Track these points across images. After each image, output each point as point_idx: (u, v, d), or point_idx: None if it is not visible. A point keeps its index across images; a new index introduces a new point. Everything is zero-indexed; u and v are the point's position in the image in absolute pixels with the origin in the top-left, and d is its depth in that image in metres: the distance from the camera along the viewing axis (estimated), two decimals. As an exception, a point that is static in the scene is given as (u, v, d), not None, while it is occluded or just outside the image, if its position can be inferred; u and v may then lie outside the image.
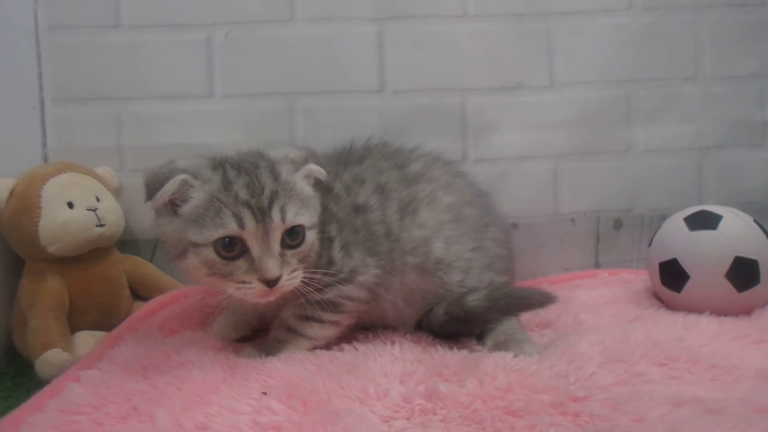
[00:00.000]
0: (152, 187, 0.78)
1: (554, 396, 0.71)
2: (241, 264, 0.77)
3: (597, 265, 1.35)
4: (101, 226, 1.04)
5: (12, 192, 1.01)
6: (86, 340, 1.00)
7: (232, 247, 0.76)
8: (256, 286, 0.76)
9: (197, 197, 0.77)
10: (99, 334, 1.01)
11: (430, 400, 0.71)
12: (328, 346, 0.90)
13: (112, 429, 0.62)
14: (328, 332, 0.89)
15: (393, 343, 0.90)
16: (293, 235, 0.80)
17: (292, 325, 0.88)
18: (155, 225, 0.82)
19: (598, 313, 1.06)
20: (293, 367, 0.78)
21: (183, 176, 0.77)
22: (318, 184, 0.87)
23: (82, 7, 1.18)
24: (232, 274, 0.77)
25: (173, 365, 0.78)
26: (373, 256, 0.89)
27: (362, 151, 1.01)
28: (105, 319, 1.05)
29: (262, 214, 0.76)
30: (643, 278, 1.21)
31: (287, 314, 0.89)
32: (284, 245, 0.79)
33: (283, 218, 0.78)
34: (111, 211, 1.08)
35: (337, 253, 0.87)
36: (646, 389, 0.74)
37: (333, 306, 0.86)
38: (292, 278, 0.79)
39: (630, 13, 1.30)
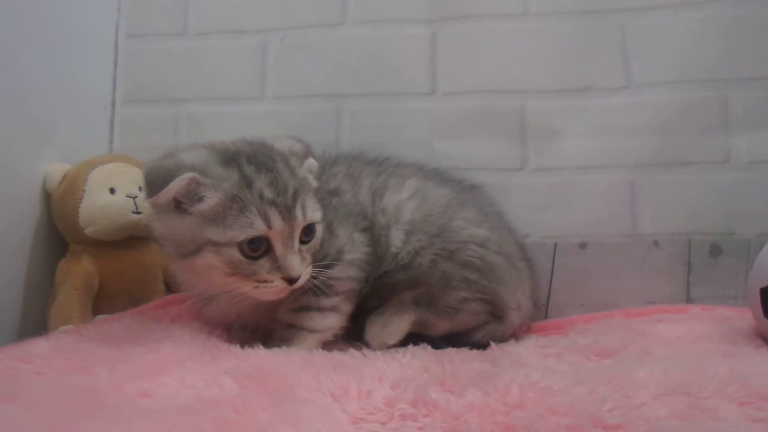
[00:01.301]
0: (155, 184, 0.71)
1: (575, 419, 0.55)
2: (264, 263, 0.74)
3: (689, 300, 1.12)
4: (138, 213, 1.05)
5: (64, 177, 1.07)
6: (104, 322, 0.99)
7: (257, 247, 0.73)
8: (278, 285, 0.74)
9: (213, 196, 0.72)
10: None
11: (416, 407, 0.59)
12: (334, 346, 0.82)
13: (49, 379, 0.58)
14: (330, 320, 0.82)
15: (406, 353, 0.80)
16: (308, 231, 0.78)
17: (291, 321, 0.82)
18: (155, 220, 0.78)
19: (676, 348, 0.86)
20: (275, 357, 0.71)
21: (191, 174, 0.71)
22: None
23: (156, 16, 1.27)
24: (256, 274, 0.74)
25: (151, 339, 0.73)
26: (361, 233, 0.84)
27: (335, 157, 1.00)
28: (134, 307, 1.05)
29: (288, 213, 0.74)
30: (748, 316, 0.96)
31: (282, 312, 0.83)
32: (300, 241, 0.77)
33: (304, 215, 0.76)
34: (152, 201, 1.09)
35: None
36: (710, 426, 0.55)
37: (326, 288, 0.80)
38: (306, 274, 0.77)
39: (719, 6, 1.12)
